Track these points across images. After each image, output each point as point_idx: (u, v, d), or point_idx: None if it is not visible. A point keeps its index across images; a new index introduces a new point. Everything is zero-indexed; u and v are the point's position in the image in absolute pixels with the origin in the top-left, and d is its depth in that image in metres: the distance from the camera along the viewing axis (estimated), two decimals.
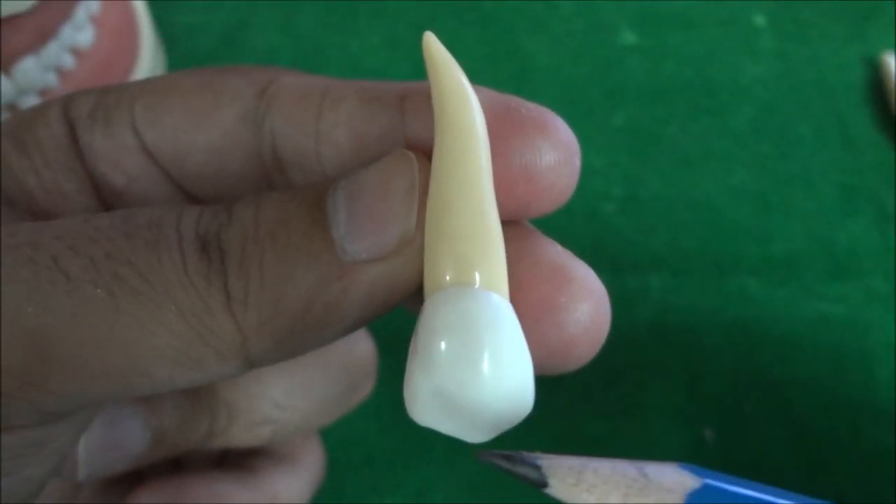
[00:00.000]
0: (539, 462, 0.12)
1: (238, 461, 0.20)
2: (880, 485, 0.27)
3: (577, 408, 0.29)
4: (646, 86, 0.35)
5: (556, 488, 0.11)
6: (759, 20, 0.37)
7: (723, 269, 0.31)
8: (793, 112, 0.35)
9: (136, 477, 0.19)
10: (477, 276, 0.13)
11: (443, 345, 0.12)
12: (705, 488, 0.11)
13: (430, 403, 0.13)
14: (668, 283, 0.31)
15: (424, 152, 0.13)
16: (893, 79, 0.35)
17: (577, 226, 0.32)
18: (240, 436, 0.19)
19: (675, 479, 0.11)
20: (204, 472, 0.19)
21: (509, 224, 0.14)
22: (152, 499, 0.18)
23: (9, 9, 0.26)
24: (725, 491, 0.11)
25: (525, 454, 0.12)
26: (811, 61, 0.36)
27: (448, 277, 0.13)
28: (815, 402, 0.29)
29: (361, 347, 0.21)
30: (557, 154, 0.13)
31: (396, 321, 0.16)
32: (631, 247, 0.32)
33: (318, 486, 0.21)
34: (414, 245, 0.13)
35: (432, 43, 0.13)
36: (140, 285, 0.12)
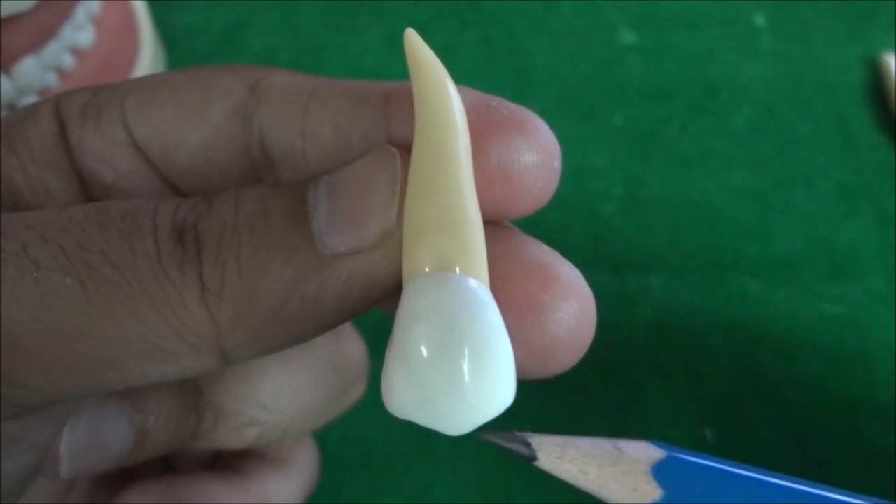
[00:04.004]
0: (529, 440, 0.13)
1: (229, 463, 0.20)
2: (880, 485, 0.27)
3: (577, 408, 0.29)
4: (646, 86, 0.35)
5: (543, 461, 0.13)
6: (759, 20, 0.37)
7: (723, 269, 0.31)
8: (793, 112, 0.35)
9: (128, 477, 0.19)
10: (455, 263, 0.13)
11: (421, 337, 0.12)
12: (669, 459, 0.13)
13: (407, 396, 0.12)
14: (668, 283, 0.31)
15: (407, 150, 0.13)
16: (893, 79, 0.35)
17: (577, 226, 0.32)
18: (226, 437, 0.19)
19: (644, 451, 0.13)
20: (194, 473, 0.19)
21: (493, 223, 0.14)
22: (140, 499, 0.18)
23: (9, 9, 0.26)
24: (688, 462, 0.13)
25: (518, 433, 0.13)
26: (811, 61, 0.36)
27: (426, 266, 0.13)
28: (815, 402, 0.29)
29: (352, 350, 0.20)
30: (536, 155, 0.13)
31: (391, 320, 0.16)
32: (631, 247, 0.32)
33: (311, 488, 0.21)
34: (394, 239, 0.13)
35: (413, 39, 0.13)
36: (111, 275, 0.12)
